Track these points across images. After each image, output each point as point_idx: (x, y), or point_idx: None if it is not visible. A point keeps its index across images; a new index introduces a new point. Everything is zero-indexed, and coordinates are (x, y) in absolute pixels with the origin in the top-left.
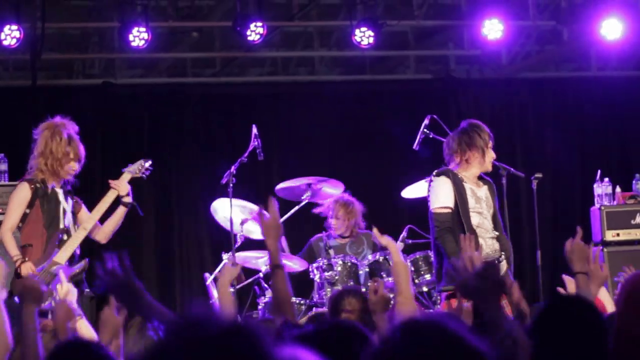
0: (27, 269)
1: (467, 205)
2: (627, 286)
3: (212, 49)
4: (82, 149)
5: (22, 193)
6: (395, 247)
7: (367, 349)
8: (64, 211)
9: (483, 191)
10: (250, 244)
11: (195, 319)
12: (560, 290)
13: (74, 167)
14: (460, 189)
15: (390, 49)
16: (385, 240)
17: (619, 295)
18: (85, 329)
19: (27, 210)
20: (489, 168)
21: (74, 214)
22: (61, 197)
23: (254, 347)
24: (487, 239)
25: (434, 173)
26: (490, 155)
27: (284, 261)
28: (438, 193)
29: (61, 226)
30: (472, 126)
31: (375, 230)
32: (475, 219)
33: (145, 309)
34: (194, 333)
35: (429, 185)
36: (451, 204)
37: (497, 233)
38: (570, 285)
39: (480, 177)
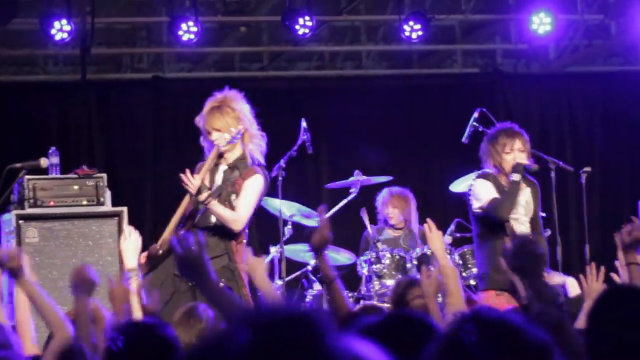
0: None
1: None
2: None
3: (259, 44)
4: None
5: None
6: (442, 249)
7: (434, 341)
8: None
9: (523, 195)
10: (298, 237)
11: (260, 308)
12: (614, 276)
13: None
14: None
15: (437, 43)
16: (435, 244)
17: None
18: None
19: None
20: (509, 171)
21: None
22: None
23: (316, 335)
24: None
25: (474, 176)
26: (509, 159)
27: (332, 253)
28: (479, 193)
29: None
30: (488, 135)
31: (426, 226)
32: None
33: (209, 290)
34: (259, 319)
35: (470, 187)
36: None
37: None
38: (623, 272)
39: (524, 178)
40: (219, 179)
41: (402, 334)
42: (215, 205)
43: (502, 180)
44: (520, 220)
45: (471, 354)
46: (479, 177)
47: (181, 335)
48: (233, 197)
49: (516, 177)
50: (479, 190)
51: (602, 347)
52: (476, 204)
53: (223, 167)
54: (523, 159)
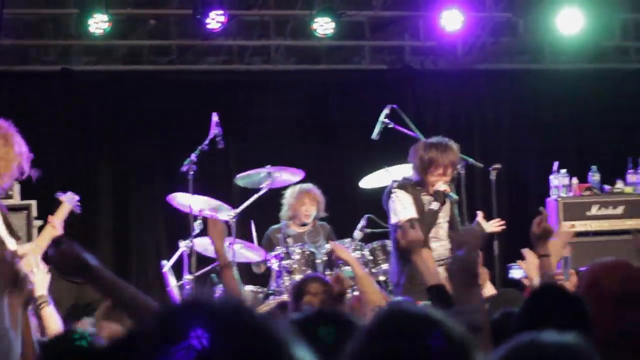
0: None
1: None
2: (588, 274)
3: (168, 37)
4: None
5: None
6: (355, 261)
7: (355, 335)
8: None
9: (443, 214)
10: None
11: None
12: (520, 263)
13: None
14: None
15: (345, 39)
16: (344, 254)
17: (580, 283)
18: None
19: None
20: (430, 190)
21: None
22: None
23: (278, 344)
24: (438, 247)
25: (395, 184)
26: (432, 181)
27: (244, 250)
28: (397, 209)
29: None
30: (420, 146)
31: (332, 244)
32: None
33: (108, 289)
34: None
35: (389, 193)
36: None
37: (449, 239)
38: (530, 257)
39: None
40: None
41: (326, 330)
42: None
43: (422, 192)
44: (439, 236)
45: (393, 346)
46: (399, 187)
47: (108, 328)
48: None
49: (435, 205)
50: (397, 206)
51: None
52: (394, 219)
53: None
54: (446, 185)
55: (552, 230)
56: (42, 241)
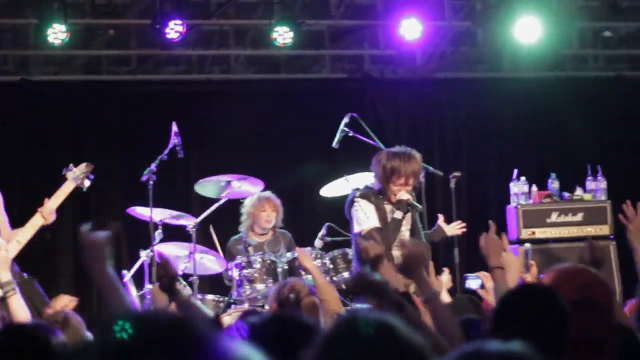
0: None
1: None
2: (546, 281)
3: (128, 47)
4: None
5: None
6: (317, 270)
7: (313, 341)
8: None
9: (405, 222)
10: (168, 241)
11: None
12: (483, 274)
13: None
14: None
15: (305, 48)
16: (306, 261)
17: None
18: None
19: None
20: (393, 200)
21: None
22: None
23: (195, 339)
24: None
25: (357, 193)
26: (395, 190)
27: (206, 261)
28: (360, 218)
29: None
30: (384, 155)
31: (298, 251)
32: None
33: (103, 280)
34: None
35: (352, 202)
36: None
37: None
38: (487, 281)
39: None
40: None
41: (284, 335)
42: None
43: (384, 201)
44: (402, 233)
45: (352, 352)
46: (361, 196)
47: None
48: None
49: (398, 214)
50: (360, 215)
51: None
52: (357, 228)
53: None
54: (408, 194)
55: (500, 244)
56: (26, 233)
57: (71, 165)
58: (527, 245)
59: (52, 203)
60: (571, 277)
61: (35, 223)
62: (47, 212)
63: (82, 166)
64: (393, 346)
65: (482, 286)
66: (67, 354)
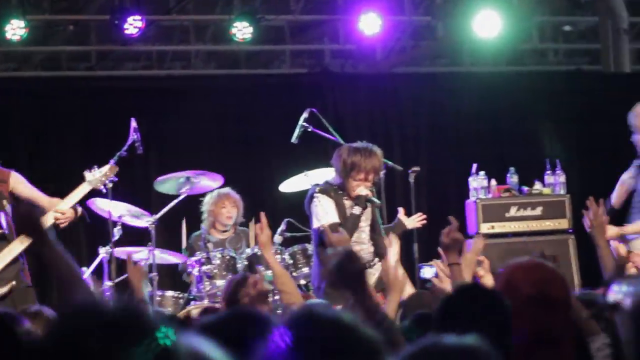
0: None
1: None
2: (503, 276)
3: (87, 43)
4: None
5: None
6: (275, 260)
7: (267, 336)
8: None
9: (365, 218)
10: (129, 239)
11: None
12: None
13: None
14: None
15: (265, 44)
16: (266, 251)
17: (495, 285)
18: None
19: None
20: (352, 195)
21: None
22: None
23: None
24: (360, 250)
25: (317, 189)
26: (354, 185)
27: (166, 256)
28: (319, 213)
29: None
30: (344, 150)
31: (257, 226)
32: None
33: (53, 258)
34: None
35: (311, 198)
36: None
37: (371, 242)
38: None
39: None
40: None
41: (239, 330)
42: None
43: (344, 197)
44: (361, 240)
45: (305, 348)
46: (321, 191)
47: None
48: None
49: (357, 210)
50: (319, 210)
51: None
52: (316, 223)
53: None
54: (368, 190)
55: (461, 240)
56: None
57: (95, 166)
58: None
59: (65, 204)
60: (527, 272)
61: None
62: (60, 212)
63: (105, 169)
64: (345, 343)
65: (437, 275)
66: (31, 343)
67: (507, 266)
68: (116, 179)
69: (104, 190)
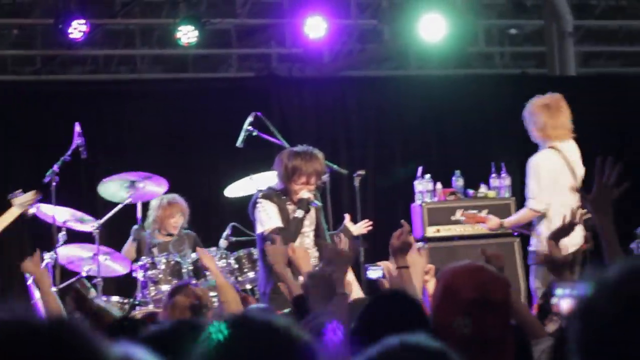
0: None
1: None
2: (443, 280)
3: (32, 47)
4: None
5: None
6: (217, 269)
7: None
8: None
9: (308, 222)
10: (73, 242)
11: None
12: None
13: None
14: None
15: (212, 47)
16: (208, 262)
17: (435, 289)
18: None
19: None
20: (294, 199)
21: None
22: None
23: (83, 343)
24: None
25: (260, 194)
26: (297, 189)
27: (109, 262)
28: (262, 219)
29: None
30: (285, 154)
31: (199, 250)
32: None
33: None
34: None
35: (255, 204)
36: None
37: (316, 247)
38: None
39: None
40: None
41: (181, 339)
42: None
43: (287, 201)
44: (306, 244)
45: (241, 354)
46: (264, 197)
47: None
48: None
49: (299, 213)
50: (262, 216)
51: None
52: (259, 229)
53: None
54: (310, 194)
55: (411, 244)
56: None
57: (19, 191)
58: (420, 244)
59: None
60: (468, 275)
61: None
62: None
63: (30, 194)
64: (278, 348)
65: (384, 276)
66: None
67: (446, 269)
68: (39, 205)
69: (29, 215)
